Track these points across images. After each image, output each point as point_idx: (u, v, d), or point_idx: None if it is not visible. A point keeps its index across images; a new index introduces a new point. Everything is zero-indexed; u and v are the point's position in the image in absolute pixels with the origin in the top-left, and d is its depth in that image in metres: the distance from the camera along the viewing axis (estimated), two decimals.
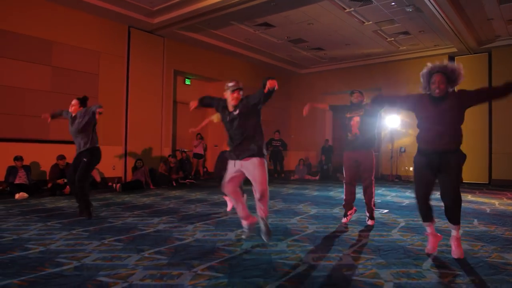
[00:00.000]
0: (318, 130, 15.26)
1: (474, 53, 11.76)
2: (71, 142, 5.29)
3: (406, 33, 10.69)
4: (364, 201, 4.81)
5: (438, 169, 3.25)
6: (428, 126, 3.30)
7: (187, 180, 10.15)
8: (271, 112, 14.73)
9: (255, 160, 3.72)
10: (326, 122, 15.66)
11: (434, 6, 8.38)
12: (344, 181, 4.83)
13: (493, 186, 10.74)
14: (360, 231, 4.41)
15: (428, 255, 3.37)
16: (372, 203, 4.72)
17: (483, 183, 11.31)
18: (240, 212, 3.95)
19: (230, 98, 3.84)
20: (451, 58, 12.19)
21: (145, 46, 10.52)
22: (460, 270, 2.96)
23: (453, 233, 3.34)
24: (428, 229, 3.47)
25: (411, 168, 12.52)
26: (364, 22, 9.95)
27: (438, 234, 3.52)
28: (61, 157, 7.77)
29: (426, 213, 3.45)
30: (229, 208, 5.67)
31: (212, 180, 11.74)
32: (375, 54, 12.92)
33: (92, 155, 4.88)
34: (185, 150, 11.74)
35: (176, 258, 3.15)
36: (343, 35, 10.96)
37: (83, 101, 5.07)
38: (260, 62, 13.68)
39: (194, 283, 2.57)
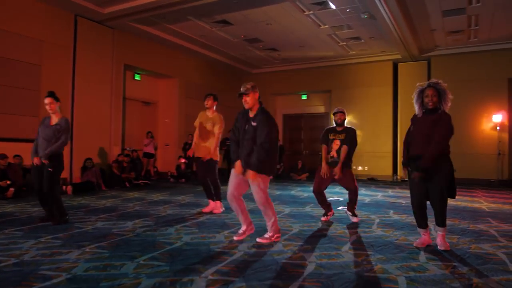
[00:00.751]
0: None
1: (415, 61, 12.60)
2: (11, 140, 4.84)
3: (357, 38, 11.15)
4: (348, 201, 4.96)
5: (429, 176, 3.41)
6: (417, 134, 3.55)
7: (141, 181, 9.66)
8: (222, 111, 14.47)
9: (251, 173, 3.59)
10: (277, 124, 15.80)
11: (387, 15, 8.84)
12: (312, 188, 5.00)
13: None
14: (344, 228, 4.50)
15: (418, 248, 3.53)
16: (355, 204, 4.94)
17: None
18: (242, 221, 3.87)
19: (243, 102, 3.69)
20: (395, 64, 13.00)
21: (93, 37, 9.82)
22: (454, 262, 3.12)
23: (440, 231, 3.53)
24: (423, 235, 3.64)
25: (361, 167, 13.14)
26: (320, 26, 10.19)
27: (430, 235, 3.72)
28: (2, 157, 6.98)
29: (420, 221, 3.63)
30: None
31: (165, 180, 11.37)
32: (326, 57, 13.32)
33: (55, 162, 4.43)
34: (136, 149, 11.17)
35: (177, 264, 2.95)
36: (299, 37, 11.15)
37: (55, 96, 4.59)
38: (213, 59, 13.47)
39: None
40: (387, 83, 13.09)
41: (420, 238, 3.67)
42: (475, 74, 11.64)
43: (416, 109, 3.68)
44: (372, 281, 2.66)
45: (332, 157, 4.83)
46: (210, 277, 2.65)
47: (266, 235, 3.74)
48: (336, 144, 4.85)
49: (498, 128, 11.17)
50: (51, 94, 4.59)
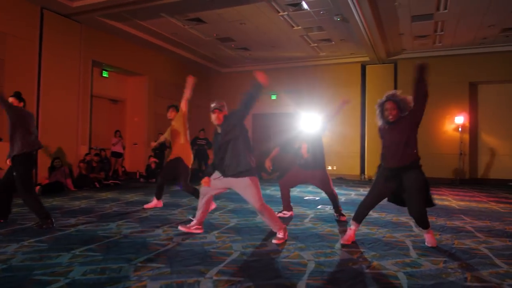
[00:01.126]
0: None
1: (382, 63, 13.02)
2: None
3: (329, 40, 11.37)
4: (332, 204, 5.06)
5: (399, 185, 3.52)
6: (390, 145, 3.64)
7: (111, 181, 9.35)
8: (191, 110, 14.38)
9: (246, 180, 3.56)
10: (248, 125, 15.79)
11: (360, 18, 9.06)
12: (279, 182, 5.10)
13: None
14: (330, 226, 4.57)
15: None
16: (339, 205, 5.01)
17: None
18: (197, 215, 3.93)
19: (213, 119, 3.64)
20: (363, 66, 13.37)
21: (60, 31, 9.37)
22: (444, 257, 3.25)
23: (425, 232, 3.67)
24: (350, 229, 3.77)
25: (329, 167, 13.38)
26: (293, 27, 10.30)
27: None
28: None
29: (360, 217, 3.73)
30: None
31: (134, 180, 11.07)
32: (296, 58, 13.48)
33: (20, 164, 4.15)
34: (103, 148, 10.80)
35: (177, 265, 2.88)
36: (271, 37, 11.21)
37: (19, 97, 4.35)
38: (183, 58, 13.27)
39: None
40: (356, 84, 13.44)
41: (347, 232, 3.76)
42: (438, 78, 12.18)
43: (380, 122, 3.75)
44: (375, 277, 2.74)
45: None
46: (214, 277, 2.61)
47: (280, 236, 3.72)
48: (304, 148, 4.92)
49: (460, 129, 11.77)
50: (15, 95, 4.32)
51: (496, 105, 12.04)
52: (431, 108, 11.92)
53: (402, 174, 3.49)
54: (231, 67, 15.05)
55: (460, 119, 11.72)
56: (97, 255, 3.17)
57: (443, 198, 7.64)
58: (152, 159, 11.26)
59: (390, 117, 3.61)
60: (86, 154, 9.71)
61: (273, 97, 15.28)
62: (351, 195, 8.09)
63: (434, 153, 11.77)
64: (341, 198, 7.36)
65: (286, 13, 9.35)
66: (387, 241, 3.80)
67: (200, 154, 13.03)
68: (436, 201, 6.34)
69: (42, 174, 8.68)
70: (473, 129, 12.14)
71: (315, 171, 4.87)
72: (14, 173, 4.04)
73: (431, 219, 5.02)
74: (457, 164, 11.82)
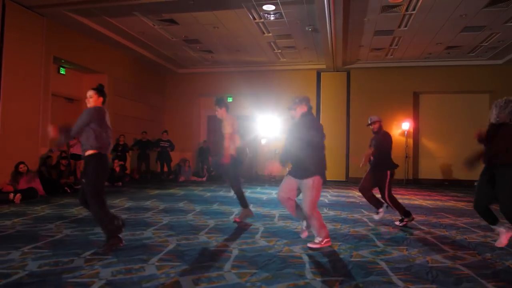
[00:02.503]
0: (194, 132, 15.25)
1: (336, 71, 13.88)
2: None
3: (293, 47, 11.87)
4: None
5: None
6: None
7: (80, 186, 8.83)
8: (146, 110, 14.03)
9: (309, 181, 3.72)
10: (201, 125, 15.80)
11: (330, 30, 9.65)
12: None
13: (349, 182, 12.93)
14: (251, 222, 4.95)
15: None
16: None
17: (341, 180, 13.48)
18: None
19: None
20: (318, 73, 14.11)
21: (22, 24, 8.66)
22: (404, 246, 3.77)
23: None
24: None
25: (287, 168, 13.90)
26: (264, 33, 10.61)
27: None
28: None
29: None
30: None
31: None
32: (257, 62, 13.78)
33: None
34: (64, 150, 10.12)
35: (123, 256, 3.38)
36: (240, 42, 11.40)
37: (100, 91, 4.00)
38: (142, 56, 12.87)
39: None
40: (311, 90, 14.10)
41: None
42: (387, 87, 13.36)
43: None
44: (283, 258, 3.47)
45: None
46: (156, 263, 3.22)
47: (316, 240, 3.85)
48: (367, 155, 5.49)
49: (405, 134, 13.02)
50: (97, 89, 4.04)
51: (435, 113, 13.53)
52: (380, 114, 13.06)
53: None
54: (188, 68, 14.90)
55: (406, 125, 12.97)
56: (46, 251, 3.53)
57: (409, 198, 8.54)
58: (117, 162, 10.81)
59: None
60: (47, 157, 9.07)
61: (230, 99, 15.41)
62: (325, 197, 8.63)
63: None
64: (325, 199, 7.87)
65: (262, 20, 9.62)
66: (297, 231, 4.43)
67: (162, 156, 12.79)
68: (408, 202, 7.06)
69: (2, 179, 7.95)
70: (416, 134, 13.50)
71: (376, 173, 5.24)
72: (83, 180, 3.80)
73: (422, 217, 5.70)
74: (403, 166, 13.07)
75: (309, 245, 3.81)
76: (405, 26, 9.74)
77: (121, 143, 11.71)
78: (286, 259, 3.41)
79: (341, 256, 3.57)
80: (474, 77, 12.96)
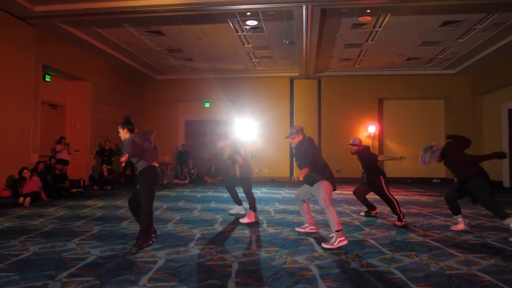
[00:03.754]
0: (172, 136, 15.74)
1: (308, 78, 14.88)
2: None
3: (270, 57, 12.74)
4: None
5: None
6: None
7: (75, 190, 9.23)
8: (124, 115, 14.35)
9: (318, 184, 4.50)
10: (179, 130, 16.32)
11: (306, 43, 10.59)
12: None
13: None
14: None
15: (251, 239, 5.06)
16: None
17: None
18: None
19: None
20: (291, 80, 15.05)
21: (13, 33, 8.95)
22: (343, 250, 4.72)
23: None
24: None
25: (263, 170, 14.76)
26: (244, 44, 11.39)
27: None
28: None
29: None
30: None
31: (88, 188, 10.91)
32: (234, 70, 14.52)
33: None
34: (53, 156, 10.42)
35: (106, 277, 2.99)
36: (221, 52, 12.11)
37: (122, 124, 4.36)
38: (124, 64, 13.26)
39: None
40: (285, 96, 15.06)
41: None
42: (355, 93, 14.51)
43: None
44: (290, 271, 3.18)
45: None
46: (147, 284, 2.87)
47: (330, 241, 4.30)
48: None
49: (372, 136, 14.21)
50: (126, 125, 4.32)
51: (397, 117, 14.84)
52: (349, 118, 14.42)
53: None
54: (167, 75, 15.40)
55: (372, 128, 14.16)
56: (11, 275, 3.03)
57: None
58: (105, 166, 11.21)
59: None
60: (38, 163, 9.39)
61: (207, 105, 16.06)
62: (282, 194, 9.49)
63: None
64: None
65: (244, 33, 10.40)
66: (236, 237, 4.47)
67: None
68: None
69: None
70: (381, 137, 14.74)
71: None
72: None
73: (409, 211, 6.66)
74: None
75: (323, 245, 4.06)
76: (372, 40, 10.85)
77: (107, 148, 12.09)
78: (294, 272, 3.12)
79: (352, 266, 3.32)
80: (431, 85, 14.36)
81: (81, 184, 11.54)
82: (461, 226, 4.87)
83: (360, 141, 6.11)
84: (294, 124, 14.81)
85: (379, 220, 5.70)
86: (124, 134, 4.21)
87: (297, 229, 4.84)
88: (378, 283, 2.84)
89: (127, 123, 4.25)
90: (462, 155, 4.72)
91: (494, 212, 4.49)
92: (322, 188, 4.39)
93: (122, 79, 14.10)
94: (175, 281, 2.89)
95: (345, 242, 4.07)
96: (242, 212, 6.12)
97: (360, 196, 6.16)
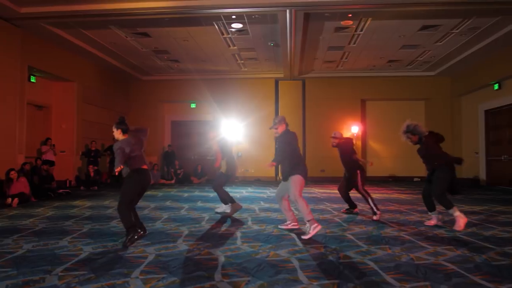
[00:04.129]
0: (158, 136, 15.82)
1: (293, 80, 15.17)
2: None
3: (255, 59, 12.97)
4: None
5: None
6: None
7: (61, 190, 9.30)
8: (112, 116, 14.41)
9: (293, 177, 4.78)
10: (165, 130, 16.43)
11: (290, 46, 10.86)
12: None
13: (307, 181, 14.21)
14: (177, 225, 6.07)
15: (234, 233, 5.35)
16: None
17: None
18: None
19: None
20: (276, 81, 15.31)
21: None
22: (323, 244, 5.03)
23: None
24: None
25: (248, 170, 14.98)
26: (230, 46, 11.60)
27: None
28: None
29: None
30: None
31: (75, 188, 10.97)
32: (220, 71, 14.71)
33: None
34: (39, 157, 10.44)
35: (101, 270, 3.28)
36: (207, 53, 12.29)
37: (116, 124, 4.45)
38: (110, 64, 13.32)
39: None
40: (270, 97, 15.31)
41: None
42: (338, 94, 14.86)
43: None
44: (272, 263, 3.40)
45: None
46: (140, 276, 3.03)
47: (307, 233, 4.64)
48: None
49: (355, 136, 14.57)
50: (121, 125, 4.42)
51: (380, 118, 15.24)
52: (332, 118, 14.73)
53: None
54: (153, 76, 15.49)
55: (355, 129, 14.52)
56: (9, 270, 3.18)
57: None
58: (91, 167, 11.28)
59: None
60: (24, 164, 9.43)
61: (193, 105, 16.21)
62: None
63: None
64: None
65: (229, 35, 10.60)
66: (222, 234, 4.68)
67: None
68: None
69: None
70: (364, 137, 15.12)
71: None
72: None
73: (389, 208, 6.97)
74: None
75: (303, 237, 4.42)
76: (354, 43, 11.18)
77: (93, 148, 12.15)
78: (276, 264, 3.34)
79: (330, 258, 3.55)
80: (411, 86, 14.80)
81: (68, 185, 11.59)
82: (433, 221, 5.20)
83: (341, 135, 6.48)
84: (278, 116, 15.06)
85: (359, 217, 5.98)
86: (118, 134, 4.38)
87: (280, 226, 5.07)
88: (352, 272, 3.09)
89: (121, 124, 4.37)
90: (436, 145, 5.14)
91: (440, 202, 4.97)
92: (295, 182, 4.67)
93: (108, 80, 14.15)
94: (165, 273, 3.08)
95: (319, 228, 4.47)
96: (228, 211, 6.34)
97: (342, 192, 6.44)
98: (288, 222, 5.09)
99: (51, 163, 11.11)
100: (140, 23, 9.69)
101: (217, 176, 6.40)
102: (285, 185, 4.89)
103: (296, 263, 3.37)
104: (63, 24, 9.62)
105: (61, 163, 11.99)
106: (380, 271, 3.10)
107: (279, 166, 4.93)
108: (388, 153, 15.04)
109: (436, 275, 2.99)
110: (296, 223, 5.06)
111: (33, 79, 11.10)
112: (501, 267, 3.19)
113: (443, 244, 4.03)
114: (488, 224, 5.29)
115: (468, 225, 5.13)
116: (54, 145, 11.11)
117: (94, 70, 13.23)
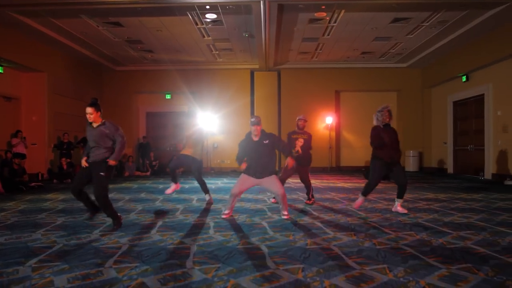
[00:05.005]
0: (133, 128, 15.65)
1: (268, 71, 15.26)
2: None
3: (230, 49, 12.97)
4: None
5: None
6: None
7: (34, 183, 9.15)
8: (83, 107, 14.06)
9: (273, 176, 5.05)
10: (140, 122, 16.27)
11: (265, 37, 10.93)
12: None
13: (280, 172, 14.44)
14: (151, 216, 6.24)
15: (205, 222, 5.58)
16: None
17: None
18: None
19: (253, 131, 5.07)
20: (252, 72, 15.37)
21: None
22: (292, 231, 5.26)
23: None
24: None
25: (224, 161, 15.07)
26: (204, 37, 11.57)
27: None
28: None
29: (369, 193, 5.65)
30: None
31: (47, 182, 10.79)
32: (195, 62, 14.64)
33: (109, 168, 4.59)
34: (9, 150, 10.22)
35: (75, 261, 3.53)
36: (181, 43, 12.21)
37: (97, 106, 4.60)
38: (82, 55, 13.05)
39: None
40: (246, 88, 15.37)
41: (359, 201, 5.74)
42: (313, 85, 15.07)
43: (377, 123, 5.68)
44: (242, 250, 3.54)
45: (297, 151, 6.30)
46: (113, 266, 3.10)
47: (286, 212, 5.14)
48: (300, 142, 6.36)
49: (329, 127, 14.85)
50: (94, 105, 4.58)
51: (353, 109, 15.56)
52: (307, 110, 14.99)
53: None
54: (127, 66, 15.27)
55: (329, 119, 14.79)
56: None
57: (324, 181, 10.21)
58: (64, 159, 11.12)
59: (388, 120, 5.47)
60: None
61: (168, 96, 16.09)
62: None
63: (315, 148, 14.52)
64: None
65: (204, 26, 10.58)
66: (195, 224, 4.78)
67: None
68: (342, 185, 8.47)
69: None
70: (337, 128, 15.42)
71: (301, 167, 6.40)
72: (101, 173, 4.53)
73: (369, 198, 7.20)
74: (327, 155, 14.92)
75: (285, 217, 5.08)
76: (328, 35, 11.36)
77: (66, 140, 11.95)
78: (246, 251, 3.47)
79: (297, 245, 3.70)
80: (384, 77, 15.15)
81: (40, 178, 11.40)
82: (399, 209, 5.45)
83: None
84: (255, 115, 15.20)
85: (329, 206, 6.18)
86: (97, 117, 4.58)
87: (223, 216, 5.22)
88: (317, 257, 3.25)
89: (97, 104, 4.60)
90: (375, 138, 5.48)
91: (365, 188, 5.56)
92: (277, 179, 4.92)
93: (80, 71, 13.87)
94: (138, 262, 3.16)
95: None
96: (207, 198, 6.53)
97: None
98: (227, 211, 5.26)
99: (22, 156, 10.88)
100: (112, 12, 9.54)
101: (198, 166, 6.52)
102: (250, 182, 5.08)
103: (265, 250, 3.51)
104: (32, 12, 9.37)
105: (33, 156, 11.76)
106: (343, 256, 3.27)
107: (256, 163, 5.05)
108: (361, 143, 15.38)
109: (395, 258, 3.19)
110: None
111: (0, 70, 10.81)
112: (455, 250, 3.43)
113: (404, 230, 4.26)
114: (449, 210, 5.58)
115: (430, 211, 5.42)
116: (25, 137, 10.88)
117: (65, 61, 12.94)
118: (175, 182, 6.52)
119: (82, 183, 4.64)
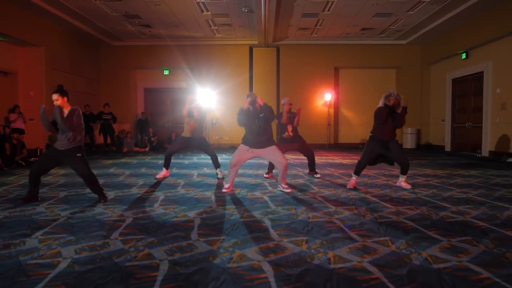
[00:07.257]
0: (131, 104, 15.56)
1: (267, 47, 15.08)
2: None
3: (229, 25, 12.77)
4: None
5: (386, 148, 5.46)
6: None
7: (33, 158, 9.15)
8: (82, 83, 14.03)
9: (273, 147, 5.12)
10: (138, 97, 16.15)
11: (264, 11, 10.75)
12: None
13: None
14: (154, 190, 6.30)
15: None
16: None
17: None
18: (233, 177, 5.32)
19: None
20: (251, 48, 15.19)
21: None
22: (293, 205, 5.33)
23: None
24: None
25: (223, 137, 15.09)
26: (203, 12, 11.37)
27: None
28: None
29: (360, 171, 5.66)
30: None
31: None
32: (193, 37, 14.42)
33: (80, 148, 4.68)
34: (7, 125, 10.15)
35: (80, 233, 4.10)
36: (180, 18, 12.00)
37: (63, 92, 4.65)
38: (78, 29, 12.81)
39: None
40: (244, 64, 15.21)
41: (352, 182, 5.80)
42: (312, 61, 14.94)
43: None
44: (246, 223, 3.56)
45: (288, 135, 6.53)
46: (119, 238, 3.15)
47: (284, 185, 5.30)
48: (290, 127, 6.54)
49: (328, 104, 14.81)
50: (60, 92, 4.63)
51: (352, 86, 15.50)
52: (306, 86, 14.90)
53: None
54: (124, 41, 15.03)
55: (328, 96, 14.74)
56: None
57: (323, 157, 10.27)
58: None
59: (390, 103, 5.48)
60: None
61: (166, 72, 15.92)
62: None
63: (310, 124, 14.57)
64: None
65: (202, 0, 10.38)
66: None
67: (105, 128, 13.14)
68: (340, 161, 8.60)
69: None
70: (336, 105, 15.39)
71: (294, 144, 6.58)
72: (78, 154, 4.60)
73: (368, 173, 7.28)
74: (326, 132, 14.95)
75: (282, 190, 5.27)
76: (328, 11, 11.18)
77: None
78: (250, 224, 3.53)
79: (300, 218, 3.77)
80: (383, 54, 15.02)
81: (38, 153, 11.37)
82: (402, 184, 5.53)
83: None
84: (252, 92, 15.11)
85: (328, 181, 6.25)
86: (64, 102, 4.65)
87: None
88: (320, 229, 3.32)
89: (65, 91, 4.68)
90: (377, 117, 5.44)
91: (357, 167, 5.59)
92: (278, 149, 4.95)
93: (77, 45, 13.65)
94: (144, 234, 3.22)
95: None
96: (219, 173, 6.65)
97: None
98: (228, 185, 5.33)
99: (20, 131, 10.84)
100: None
101: (206, 144, 6.70)
102: (249, 153, 5.08)
103: (268, 223, 3.58)
104: None
105: (31, 131, 11.69)
106: (345, 229, 3.34)
107: (254, 133, 5.07)
108: (360, 120, 15.39)
109: (396, 231, 3.26)
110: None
111: None
112: (455, 223, 3.51)
113: (405, 205, 4.33)
114: (448, 186, 5.66)
115: (429, 187, 5.49)
116: (22, 113, 10.80)
117: (62, 35, 12.71)
118: (167, 168, 6.63)
119: (48, 167, 4.64)
